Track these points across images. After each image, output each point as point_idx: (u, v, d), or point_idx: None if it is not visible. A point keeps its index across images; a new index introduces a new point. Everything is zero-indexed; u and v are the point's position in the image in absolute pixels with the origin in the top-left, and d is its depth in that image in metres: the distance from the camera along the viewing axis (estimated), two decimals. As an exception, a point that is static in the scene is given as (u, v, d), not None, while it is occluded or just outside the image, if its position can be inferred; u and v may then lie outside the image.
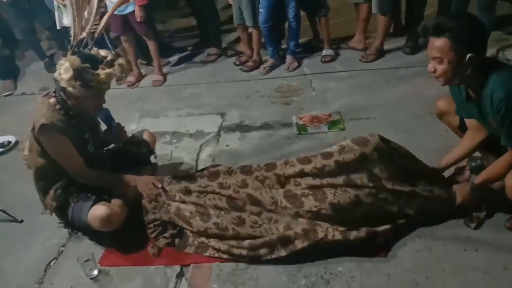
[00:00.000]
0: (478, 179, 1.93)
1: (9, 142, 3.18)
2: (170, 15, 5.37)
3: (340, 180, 1.99)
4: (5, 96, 4.07)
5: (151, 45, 3.80)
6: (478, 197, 1.95)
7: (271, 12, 3.59)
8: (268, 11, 3.58)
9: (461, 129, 2.10)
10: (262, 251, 1.94)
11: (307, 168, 2.06)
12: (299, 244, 1.91)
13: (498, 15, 3.43)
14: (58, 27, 3.88)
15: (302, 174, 2.06)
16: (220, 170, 2.22)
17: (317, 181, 2.02)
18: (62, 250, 2.18)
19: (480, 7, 3.27)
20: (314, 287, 1.82)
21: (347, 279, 1.82)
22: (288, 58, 3.85)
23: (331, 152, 2.08)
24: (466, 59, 1.64)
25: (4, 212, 2.40)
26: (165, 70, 4.10)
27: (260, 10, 3.60)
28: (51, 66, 4.30)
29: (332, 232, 1.91)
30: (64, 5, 3.67)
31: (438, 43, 1.66)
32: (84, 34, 2.01)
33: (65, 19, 3.77)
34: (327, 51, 3.92)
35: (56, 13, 3.81)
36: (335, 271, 1.86)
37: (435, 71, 1.72)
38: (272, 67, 3.85)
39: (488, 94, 1.67)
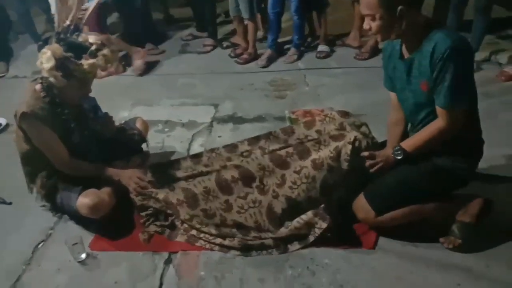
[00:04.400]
0: (404, 142, 1.84)
1: (0, 124, 3.15)
2: (167, 4, 5.33)
3: (325, 137, 2.04)
4: (-4, 78, 4.04)
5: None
6: (398, 160, 1.83)
7: None
8: None
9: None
10: (254, 252, 1.97)
11: (291, 138, 2.13)
12: (291, 247, 1.96)
13: (493, 17, 3.47)
14: (52, 11, 3.84)
15: (286, 146, 2.12)
16: (203, 152, 2.25)
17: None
18: (50, 233, 2.18)
19: (477, 9, 3.31)
20: (300, 277, 1.84)
21: (333, 271, 1.85)
22: (291, 50, 3.88)
23: (314, 120, 2.18)
24: (398, 12, 1.60)
25: (-7, 193, 2.39)
26: (159, 58, 4.10)
27: None
28: (44, 50, 4.26)
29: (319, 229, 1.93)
30: None
31: (366, 0, 1.63)
32: (68, 22, 1.96)
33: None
34: (322, 47, 3.94)
35: None
36: (321, 263, 1.89)
37: (370, 28, 1.69)
38: (270, 59, 3.85)
39: (430, 48, 1.62)
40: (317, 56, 3.91)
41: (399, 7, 1.59)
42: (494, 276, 1.77)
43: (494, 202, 1.91)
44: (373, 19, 1.65)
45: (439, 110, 1.70)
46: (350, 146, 1.94)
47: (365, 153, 1.89)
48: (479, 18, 3.34)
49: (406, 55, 1.77)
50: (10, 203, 2.40)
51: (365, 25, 1.70)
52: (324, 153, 1.98)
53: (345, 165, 1.96)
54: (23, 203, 2.35)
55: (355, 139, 1.95)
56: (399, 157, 1.82)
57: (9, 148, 2.85)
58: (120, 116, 2.94)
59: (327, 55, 3.92)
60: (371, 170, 1.87)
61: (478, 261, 1.84)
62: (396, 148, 1.83)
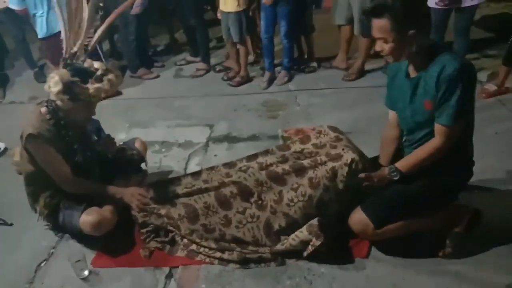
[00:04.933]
0: (399, 163, 1.90)
1: (-1, 148, 3.22)
2: (161, 31, 5.49)
3: (322, 157, 2.11)
4: (-7, 103, 4.12)
5: None
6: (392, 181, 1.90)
7: (270, 23, 3.79)
8: (266, 22, 3.79)
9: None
10: (252, 265, 2.05)
11: (288, 153, 2.21)
12: (288, 261, 2.03)
13: (472, 38, 3.67)
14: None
15: (283, 160, 2.20)
16: (203, 169, 2.30)
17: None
18: (52, 252, 2.23)
19: (457, 32, 3.51)
20: (298, 287, 1.91)
21: (329, 279, 1.93)
22: (282, 73, 4.05)
23: (308, 136, 2.26)
24: (409, 35, 1.69)
25: (-6, 215, 2.44)
26: (154, 83, 4.22)
27: (261, 21, 3.83)
28: (40, 76, 4.37)
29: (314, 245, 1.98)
30: None
31: (379, 24, 1.71)
32: (75, 49, 2.06)
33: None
34: (310, 63, 4.19)
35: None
36: (318, 273, 1.97)
37: (382, 50, 1.77)
38: (270, 80, 4.01)
39: (437, 69, 1.70)
40: (306, 71, 4.14)
41: (410, 31, 1.69)
42: (482, 279, 1.86)
43: (483, 212, 2.01)
44: (386, 42, 1.73)
45: (438, 127, 1.77)
46: (347, 168, 2.02)
47: (362, 175, 1.95)
48: (459, 39, 3.53)
49: (412, 74, 1.85)
50: (11, 224, 2.45)
51: (377, 47, 1.78)
52: (321, 173, 2.05)
53: (341, 185, 2.04)
54: (24, 224, 2.40)
55: (352, 160, 2.03)
56: (395, 178, 1.89)
57: (9, 171, 2.92)
58: (117, 138, 3.00)
59: (315, 69, 4.16)
60: (369, 191, 1.94)
61: (467, 266, 1.93)
62: (392, 169, 1.90)
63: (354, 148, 2.13)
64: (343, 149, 2.11)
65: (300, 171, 2.10)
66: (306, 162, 2.12)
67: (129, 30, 4.14)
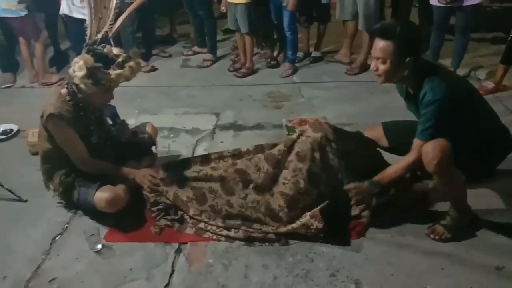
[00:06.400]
0: (378, 176, 2.03)
1: (11, 130, 3.31)
2: (168, 21, 5.58)
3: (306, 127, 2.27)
4: (5, 87, 4.22)
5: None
6: (373, 193, 2.04)
7: (276, 13, 3.98)
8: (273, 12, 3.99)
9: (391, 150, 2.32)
10: (257, 243, 2.16)
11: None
12: (291, 241, 2.15)
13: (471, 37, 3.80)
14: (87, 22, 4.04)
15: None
16: (212, 156, 2.42)
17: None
18: (66, 227, 2.33)
19: (457, 30, 3.62)
20: (299, 264, 2.02)
21: (329, 258, 2.04)
22: (286, 65, 4.16)
23: None
24: (406, 61, 1.86)
25: (10, 191, 2.53)
26: (161, 72, 4.32)
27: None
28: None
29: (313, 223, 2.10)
30: None
31: (382, 45, 1.86)
32: (99, 35, 2.17)
33: None
34: (316, 53, 4.35)
35: None
36: (319, 251, 2.08)
37: (377, 69, 1.91)
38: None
39: (421, 95, 1.90)
40: (310, 60, 4.28)
41: (408, 58, 1.84)
42: (473, 260, 1.98)
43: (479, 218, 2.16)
44: (383, 62, 1.88)
45: (415, 141, 1.93)
46: (325, 140, 2.20)
47: (348, 186, 2.08)
48: (458, 38, 3.64)
49: (411, 92, 2.03)
50: (26, 201, 2.55)
51: (373, 66, 1.93)
52: (305, 146, 2.19)
53: (327, 156, 2.18)
54: (38, 201, 2.51)
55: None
56: (375, 190, 2.01)
57: (21, 151, 3.04)
58: (127, 123, 3.12)
59: (319, 59, 4.34)
60: (353, 202, 2.08)
61: (459, 248, 2.05)
62: (371, 182, 2.01)
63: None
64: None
65: (290, 147, 2.22)
66: (294, 135, 2.26)
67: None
